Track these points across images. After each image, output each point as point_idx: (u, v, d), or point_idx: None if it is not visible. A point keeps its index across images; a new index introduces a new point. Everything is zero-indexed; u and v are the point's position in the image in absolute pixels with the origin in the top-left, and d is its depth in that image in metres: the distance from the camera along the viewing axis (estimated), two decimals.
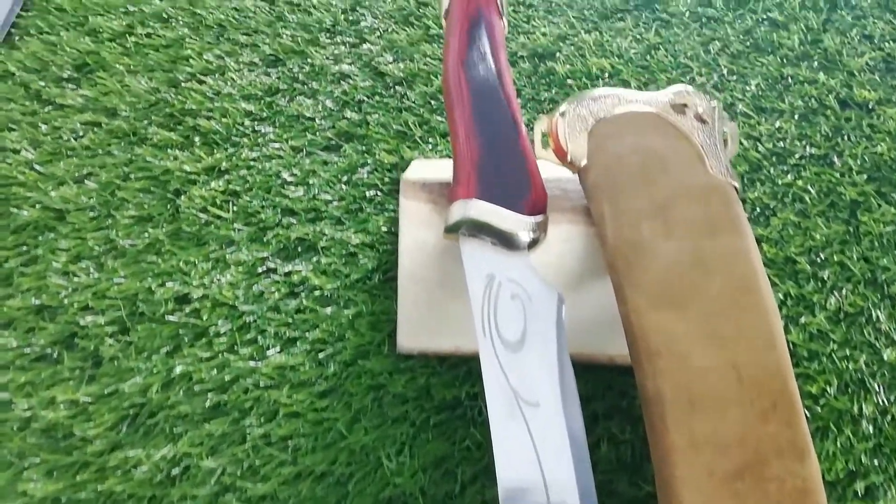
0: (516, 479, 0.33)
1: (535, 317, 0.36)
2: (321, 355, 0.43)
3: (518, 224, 0.36)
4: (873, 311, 0.46)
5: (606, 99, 0.40)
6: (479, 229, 0.37)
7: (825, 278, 0.48)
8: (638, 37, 0.61)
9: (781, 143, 0.54)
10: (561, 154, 0.40)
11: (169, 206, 0.49)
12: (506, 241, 0.37)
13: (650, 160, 0.39)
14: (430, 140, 0.53)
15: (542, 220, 0.37)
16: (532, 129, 0.41)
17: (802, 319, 0.46)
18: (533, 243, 0.37)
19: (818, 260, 0.48)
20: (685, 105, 0.40)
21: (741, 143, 0.54)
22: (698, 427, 0.34)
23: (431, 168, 0.46)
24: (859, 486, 0.40)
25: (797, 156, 0.53)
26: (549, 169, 0.42)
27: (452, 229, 0.37)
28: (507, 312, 0.36)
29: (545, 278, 0.37)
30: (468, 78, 0.38)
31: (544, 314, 0.36)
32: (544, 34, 0.60)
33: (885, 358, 0.44)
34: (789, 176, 0.52)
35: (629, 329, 0.36)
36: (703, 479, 0.33)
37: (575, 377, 0.43)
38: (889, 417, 0.43)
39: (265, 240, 0.48)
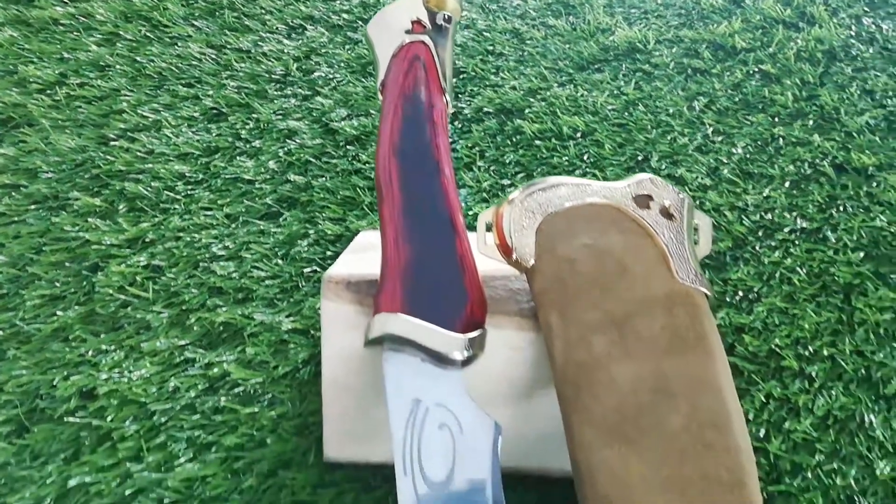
0: None
1: (465, 451, 0.31)
2: (237, 465, 0.38)
3: (449, 342, 0.31)
4: (866, 416, 0.41)
5: (559, 189, 0.35)
6: (404, 347, 0.32)
7: (813, 376, 0.42)
8: (616, 91, 0.56)
9: (769, 215, 0.49)
10: (506, 251, 0.35)
11: (84, 284, 0.44)
12: (436, 358, 0.32)
13: (606, 264, 0.34)
14: None
15: (477, 337, 0.32)
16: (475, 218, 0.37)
17: (786, 425, 0.41)
18: (467, 362, 0.32)
19: (806, 354, 0.43)
20: (649, 197, 0.35)
21: (724, 216, 0.49)
22: None
23: (373, 250, 0.41)
24: None
25: (787, 230, 0.48)
26: (494, 265, 0.37)
27: (374, 343, 0.32)
28: (433, 445, 0.31)
29: (481, 396, 0.33)
30: (400, 169, 0.34)
31: (477, 448, 0.31)
32: (513, 88, 0.56)
33: (878, 473, 0.39)
34: (777, 253, 0.47)
35: (576, 468, 0.31)
36: None
37: (525, 493, 0.38)
38: None
39: (187, 324, 0.43)
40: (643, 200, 0.35)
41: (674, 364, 0.32)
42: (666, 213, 0.35)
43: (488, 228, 0.36)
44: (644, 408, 0.31)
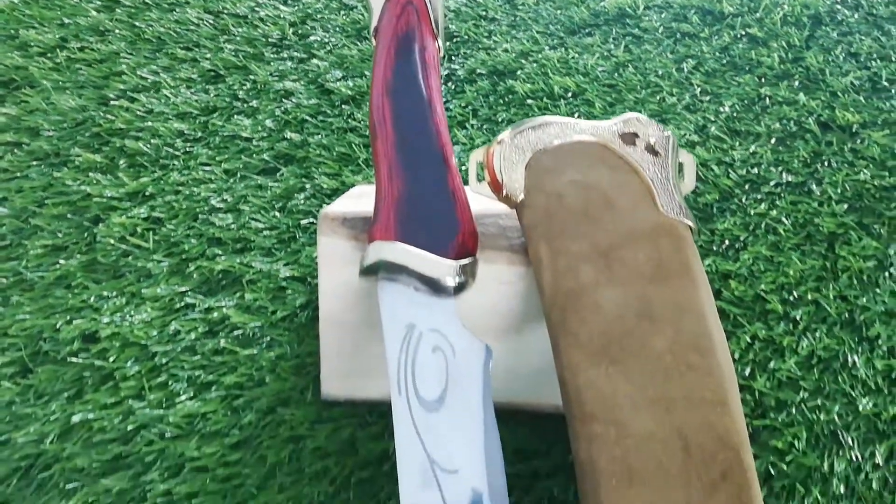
0: None
1: (457, 372, 0.32)
2: (237, 402, 0.39)
3: (441, 268, 0.32)
4: (849, 356, 0.42)
5: (548, 128, 0.36)
6: (398, 273, 0.33)
7: (798, 319, 0.44)
8: (606, 53, 0.57)
9: (756, 170, 0.50)
10: (496, 187, 0.36)
11: (85, 235, 0.45)
12: (429, 286, 0.33)
13: (593, 198, 0.35)
14: None
15: (469, 264, 0.33)
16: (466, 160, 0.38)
17: (771, 365, 0.42)
18: (459, 288, 0.33)
19: (791, 298, 0.44)
20: (635, 135, 0.36)
21: (712, 170, 0.50)
22: (636, 503, 0.30)
23: (367, 197, 0.42)
24: None
25: (772, 183, 0.49)
26: (486, 204, 0.38)
27: (368, 272, 0.33)
28: (427, 367, 0.32)
29: (472, 329, 0.34)
30: (393, 107, 0.35)
31: (468, 370, 0.32)
32: (506, 50, 0.57)
33: (861, 409, 0.40)
34: (763, 205, 0.48)
35: (563, 388, 0.32)
36: None
37: (517, 428, 0.40)
38: (863, 476, 0.39)
39: (186, 272, 0.44)
40: (629, 138, 0.37)
41: (658, 291, 0.33)
42: (651, 150, 0.36)
43: (480, 167, 0.37)
44: (629, 331, 0.32)
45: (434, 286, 0.33)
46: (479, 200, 0.38)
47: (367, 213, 0.37)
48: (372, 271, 0.33)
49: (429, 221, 0.33)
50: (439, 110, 0.35)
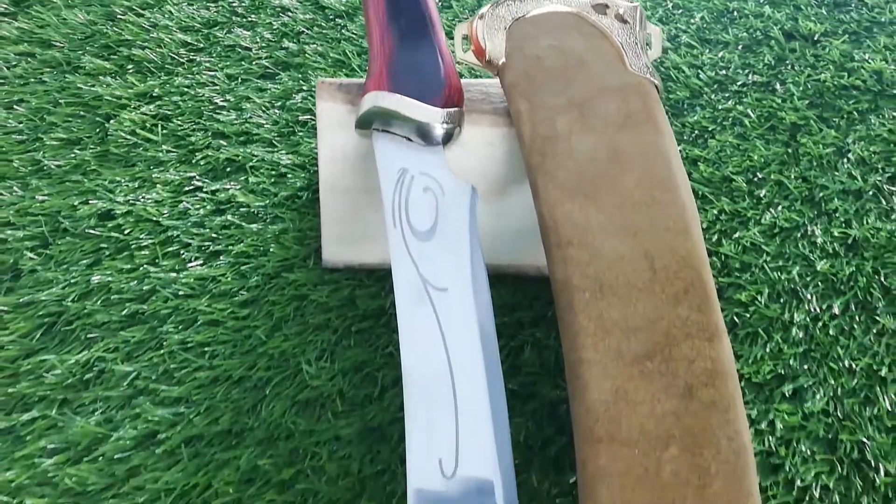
0: (421, 368, 0.32)
1: (447, 209, 0.35)
2: (244, 268, 0.42)
3: (430, 114, 0.35)
4: (809, 227, 0.46)
5: (525, 1, 0.40)
6: (391, 124, 0.36)
7: (761, 196, 0.47)
8: None
9: (724, 72, 0.54)
10: (479, 53, 0.39)
11: (98, 130, 0.48)
12: (419, 134, 0.36)
13: (569, 60, 0.38)
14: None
15: (455, 112, 0.36)
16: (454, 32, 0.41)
17: (736, 234, 0.46)
18: (447, 137, 0.37)
19: (755, 179, 0.48)
20: (606, 6, 0.40)
21: (682, 71, 0.54)
22: (607, 312, 0.33)
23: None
24: (787, 389, 0.40)
25: (739, 83, 0.53)
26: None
27: (363, 123, 0.36)
28: (419, 204, 0.35)
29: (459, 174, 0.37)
30: None
31: (457, 206, 0.35)
32: None
33: (819, 268, 0.44)
34: (730, 101, 0.52)
35: (542, 221, 0.36)
36: (611, 361, 0.33)
37: (502, 288, 0.43)
38: (820, 324, 0.42)
39: (194, 161, 0.47)
40: (601, 8, 0.40)
41: (627, 137, 0.37)
42: (620, 19, 0.40)
43: (465, 40, 0.41)
44: (601, 171, 0.36)
45: (424, 135, 0.36)
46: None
47: (362, 81, 0.40)
48: (367, 122, 0.36)
49: (418, 76, 0.36)
50: None
